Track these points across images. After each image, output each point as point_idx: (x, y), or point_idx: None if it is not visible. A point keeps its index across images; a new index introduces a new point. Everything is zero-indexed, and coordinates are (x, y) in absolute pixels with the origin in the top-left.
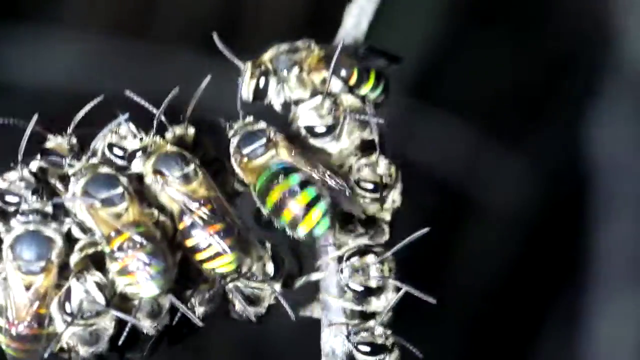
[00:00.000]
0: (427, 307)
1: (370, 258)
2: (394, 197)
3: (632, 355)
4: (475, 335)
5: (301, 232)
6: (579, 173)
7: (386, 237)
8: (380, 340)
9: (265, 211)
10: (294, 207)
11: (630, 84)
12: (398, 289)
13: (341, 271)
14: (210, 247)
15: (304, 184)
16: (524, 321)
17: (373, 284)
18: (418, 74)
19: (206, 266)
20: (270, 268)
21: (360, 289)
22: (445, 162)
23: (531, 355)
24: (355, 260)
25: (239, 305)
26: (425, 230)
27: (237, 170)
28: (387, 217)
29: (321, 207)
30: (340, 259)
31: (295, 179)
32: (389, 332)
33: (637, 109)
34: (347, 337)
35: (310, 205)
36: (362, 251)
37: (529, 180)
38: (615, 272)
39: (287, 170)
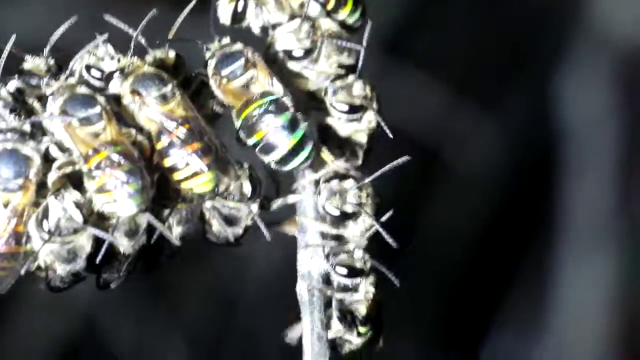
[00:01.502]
0: (398, 267)
1: (348, 183)
2: (369, 117)
3: (598, 314)
4: (445, 294)
5: (286, 168)
6: (549, 134)
7: (360, 161)
8: (358, 264)
9: (247, 141)
10: (283, 147)
11: (600, 45)
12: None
13: (319, 193)
14: (188, 166)
15: (293, 123)
16: (493, 281)
17: (349, 209)
18: (392, 33)
19: (184, 185)
20: (247, 188)
21: (336, 212)
22: (417, 122)
23: (500, 314)
24: (334, 184)
25: (216, 225)
26: (405, 158)
27: (216, 92)
28: (363, 139)
29: (308, 148)
30: (317, 182)
31: (286, 116)
32: (367, 256)
33: (607, 70)
34: (326, 257)
35: (298, 147)
36: (341, 176)
37: (500, 141)
38: (583, 232)
39: (278, 106)
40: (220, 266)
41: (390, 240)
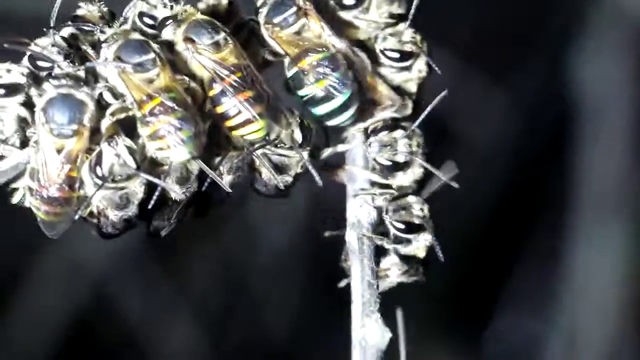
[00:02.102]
0: None
1: (398, 133)
2: (420, 66)
3: (609, 287)
4: (454, 269)
5: (330, 123)
6: (560, 107)
7: (409, 110)
8: (417, 220)
9: (297, 92)
10: (332, 103)
11: (614, 19)
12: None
13: (369, 145)
14: (240, 114)
15: (344, 82)
16: (502, 255)
17: (400, 159)
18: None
19: (235, 133)
20: (298, 135)
21: (388, 163)
22: (429, 93)
23: (510, 290)
24: (383, 134)
25: (265, 173)
26: (445, 92)
27: (268, 40)
28: (413, 88)
29: (353, 108)
30: (366, 131)
31: (338, 74)
32: (426, 208)
33: (619, 42)
34: (385, 212)
35: (345, 106)
36: (390, 126)
37: (513, 114)
38: (594, 206)
39: (332, 63)
40: (229, 238)
41: (447, 180)
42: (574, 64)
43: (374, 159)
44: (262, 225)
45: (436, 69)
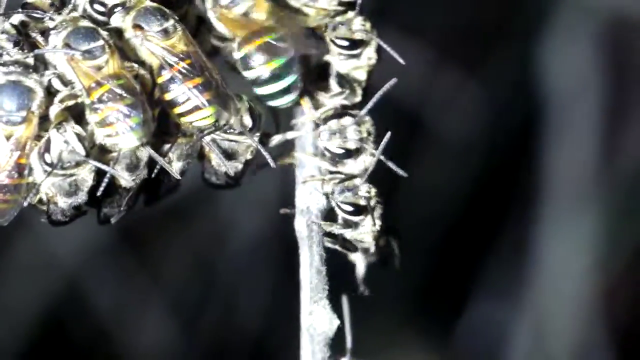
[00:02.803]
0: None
1: (346, 120)
2: (369, 54)
3: (577, 280)
4: (425, 260)
5: (272, 104)
6: (531, 100)
7: (359, 97)
8: (362, 201)
9: (244, 74)
10: (274, 86)
11: (583, 11)
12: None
13: (319, 134)
14: (189, 100)
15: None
16: (473, 247)
17: (352, 145)
18: None
19: (184, 120)
20: (247, 121)
21: (340, 151)
22: (400, 88)
23: (479, 281)
24: (332, 122)
25: (215, 160)
26: (394, 80)
27: (216, 24)
28: (363, 75)
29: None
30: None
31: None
32: (373, 190)
33: (589, 36)
34: (331, 194)
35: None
36: (339, 114)
37: (483, 106)
38: (563, 198)
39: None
40: (201, 230)
41: (395, 168)
42: (543, 58)
43: (325, 148)
44: (233, 217)
45: (399, 59)
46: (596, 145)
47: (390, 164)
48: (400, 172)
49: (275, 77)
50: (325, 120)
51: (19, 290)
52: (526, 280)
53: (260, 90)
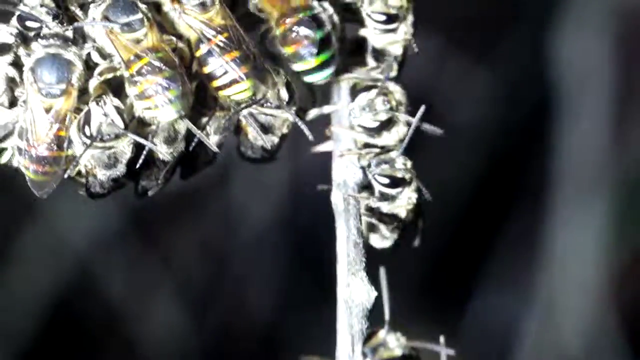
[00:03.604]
0: None
1: (372, 93)
2: (405, 28)
3: (588, 266)
4: (434, 248)
5: (308, 80)
6: (542, 86)
7: (394, 72)
8: (399, 174)
9: (282, 50)
10: (311, 62)
11: None
12: (409, 123)
13: (350, 113)
14: (226, 74)
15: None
16: (483, 235)
17: (383, 117)
18: None
19: (222, 93)
20: (284, 94)
21: (373, 125)
22: (409, 72)
23: (489, 268)
24: (361, 98)
25: (252, 134)
26: (424, 107)
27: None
28: (398, 51)
29: (331, 69)
30: (353, 91)
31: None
32: (409, 163)
33: (600, 20)
34: (368, 167)
35: (323, 65)
36: (366, 87)
37: (493, 92)
38: (574, 184)
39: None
40: (212, 216)
41: (431, 128)
42: (553, 44)
43: (358, 125)
44: (243, 203)
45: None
46: (606, 132)
47: (427, 127)
48: (438, 131)
49: (304, 56)
50: (355, 94)
51: (29, 276)
52: (536, 267)
53: (295, 67)
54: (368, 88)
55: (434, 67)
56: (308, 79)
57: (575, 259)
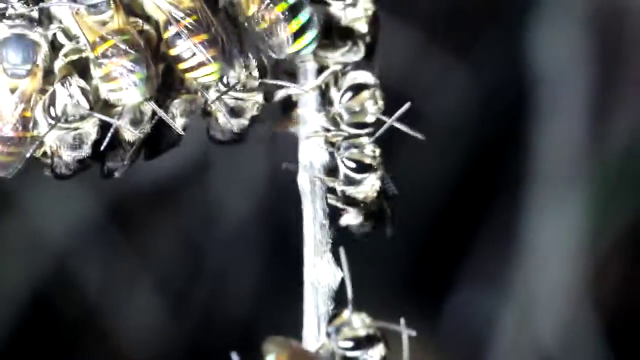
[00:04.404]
0: None
1: (365, 94)
2: (365, 4)
3: (565, 261)
4: (411, 244)
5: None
6: (520, 81)
7: (362, 54)
8: (368, 160)
9: (255, 29)
10: (284, 33)
11: None
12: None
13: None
14: (194, 56)
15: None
16: (460, 231)
17: (371, 119)
18: None
19: (189, 76)
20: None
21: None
22: (388, 68)
23: (465, 265)
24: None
25: (222, 118)
26: (408, 104)
27: None
28: (364, 27)
29: (312, 32)
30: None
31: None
32: (378, 151)
33: (579, 16)
34: (337, 150)
35: (300, 31)
36: (356, 87)
37: (472, 88)
38: (551, 179)
39: None
40: (190, 208)
41: (411, 132)
42: (532, 41)
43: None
44: (222, 196)
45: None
46: (583, 128)
47: (406, 128)
48: (418, 135)
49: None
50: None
51: (5, 268)
52: (513, 263)
53: (275, 41)
54: (357, 88)
55: (412, 62)
56: (291, 50)
57: (552, 255)
